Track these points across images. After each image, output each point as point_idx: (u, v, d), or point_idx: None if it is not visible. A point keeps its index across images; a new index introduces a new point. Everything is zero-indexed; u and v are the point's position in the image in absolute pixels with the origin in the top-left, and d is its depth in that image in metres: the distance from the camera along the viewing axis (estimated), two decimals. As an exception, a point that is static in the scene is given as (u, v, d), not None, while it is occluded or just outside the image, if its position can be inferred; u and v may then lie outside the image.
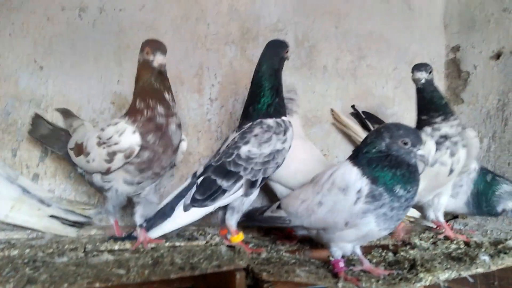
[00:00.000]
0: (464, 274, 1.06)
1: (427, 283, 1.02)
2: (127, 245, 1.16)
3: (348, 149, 1.86)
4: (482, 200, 1.48)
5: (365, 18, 1.94)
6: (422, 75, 1.30)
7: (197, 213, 1.16)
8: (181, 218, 1.16)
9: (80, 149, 1.21)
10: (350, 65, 1.92)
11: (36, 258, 1.02)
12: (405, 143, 1.02)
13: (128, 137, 1.09)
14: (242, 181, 1.15)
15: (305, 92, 1.84)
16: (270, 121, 1.21)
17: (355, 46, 1.93)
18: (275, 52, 1.26)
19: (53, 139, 1.37)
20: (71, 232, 1.30)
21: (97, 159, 1.14)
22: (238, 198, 1.18)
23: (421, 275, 1.02)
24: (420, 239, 1.42)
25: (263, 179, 1.18)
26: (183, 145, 1.24)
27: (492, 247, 1.30)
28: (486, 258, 1.14)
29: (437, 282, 1.04)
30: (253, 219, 1.27)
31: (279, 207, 1.21)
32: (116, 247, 1.15)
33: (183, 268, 0.89)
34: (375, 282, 0.99)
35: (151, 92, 1.11)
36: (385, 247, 1.34)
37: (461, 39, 1.94)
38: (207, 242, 1.23)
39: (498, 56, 1.74)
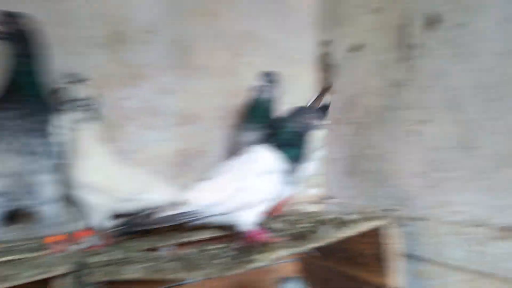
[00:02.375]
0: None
1: (262, 264, 1.12)
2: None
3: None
4: None
5: (239, 16, 2.02)
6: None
7: None
8: None
9: None
10: (227, 63, 1.99)
11: None
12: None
13: None
14: None
15: (182, 91, 1.90)
16: None
17: (231, 44, 2.01)
18: None
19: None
20: None
21: None
22: None
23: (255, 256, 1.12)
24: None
25: None
26: None
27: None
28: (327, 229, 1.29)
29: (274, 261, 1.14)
30: (141, 224, 1.21)
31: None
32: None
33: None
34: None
35: None
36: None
37: (328, 34, 2.10)
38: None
39: (358, 48, 1.91)
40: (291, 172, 1.25)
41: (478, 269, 1.29)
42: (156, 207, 1.24)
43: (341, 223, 1.37)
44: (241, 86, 2.01)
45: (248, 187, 1.22)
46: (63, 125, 1.30)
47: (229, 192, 1.21)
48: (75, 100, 1.39)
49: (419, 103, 1.54)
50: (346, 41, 1.99)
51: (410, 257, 1.49)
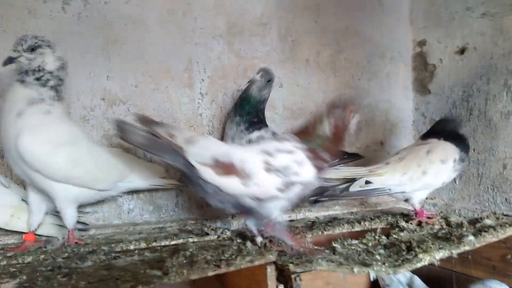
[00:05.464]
0: (455, 252, 1.20)
1: (426, 263, 1.14)
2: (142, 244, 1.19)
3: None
4: None
5: (342, 13, 2.02)
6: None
7: None
8: None
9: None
10: (329, 59, 2.00)
11: (59, 264, 1.00)
12: None
13: None
14: None
15: (290, 85, 1.91)
16: None
17: (334, 40, 2.01)
18: None
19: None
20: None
21: None
22: None
23: (420, 255, 1.13)
24: (406, 221, 1.56)
25: None
26: None
27: (471, 226, 1.46)
28: (471, 237, 1.29)
29: (433, 262, 1.16)
30: (335, 195, 1.53)
31: (367, 182, 1.51)
32: (132, 247, 1.17)
33: (219, 265, 0.94)
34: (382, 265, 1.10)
35: None
36: (375, 231, 1.45)
37: (427, 34, 2.10)
38: (218, 237, 1.27)
39: (462, 51, 1.90)
40: (462, 161, 1.55)
41: None
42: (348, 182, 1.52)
43: (477, 229, 1.40)
44: (342, 82, 2.05)
45: (431, 171, 1.51)
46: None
47: (414, 174, 1.51)
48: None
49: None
50: (448, 43, 1.98)
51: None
